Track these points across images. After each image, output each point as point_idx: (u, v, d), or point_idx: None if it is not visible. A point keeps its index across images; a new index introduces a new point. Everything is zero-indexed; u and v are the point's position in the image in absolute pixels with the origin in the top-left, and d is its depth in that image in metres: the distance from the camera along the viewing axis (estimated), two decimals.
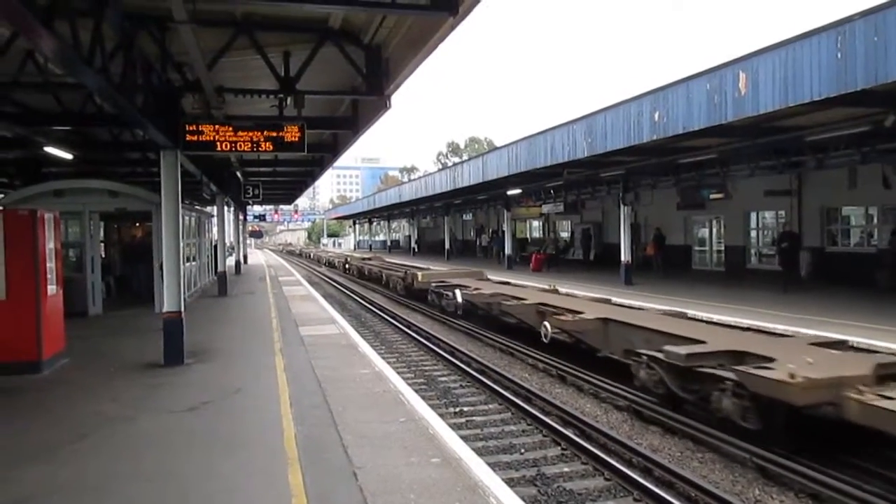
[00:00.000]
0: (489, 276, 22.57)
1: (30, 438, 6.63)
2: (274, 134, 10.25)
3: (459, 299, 17.48)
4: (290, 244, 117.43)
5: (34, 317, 9.37)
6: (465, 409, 9.71)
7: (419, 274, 22.86)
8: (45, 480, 5.51)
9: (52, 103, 12.39)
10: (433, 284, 20.61)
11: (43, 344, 9.47)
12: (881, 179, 17.92)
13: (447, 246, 42.91)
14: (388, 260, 37.60)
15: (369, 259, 38.06)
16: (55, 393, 8.50)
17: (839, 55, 9.25)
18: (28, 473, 5.66)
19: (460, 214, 50.90)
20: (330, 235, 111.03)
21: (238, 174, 23.63)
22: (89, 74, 6.68)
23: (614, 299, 15.29)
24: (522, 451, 7.84)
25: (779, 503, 6.38)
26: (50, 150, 14.06)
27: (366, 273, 33.65)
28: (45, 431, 6.85)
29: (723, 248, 26.56)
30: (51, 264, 9.92)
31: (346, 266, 40.10)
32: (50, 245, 9.90)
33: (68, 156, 14.75)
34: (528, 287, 18.55)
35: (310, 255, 69.90)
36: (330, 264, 49.10)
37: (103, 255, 18.63)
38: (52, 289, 9.90)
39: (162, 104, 9.76)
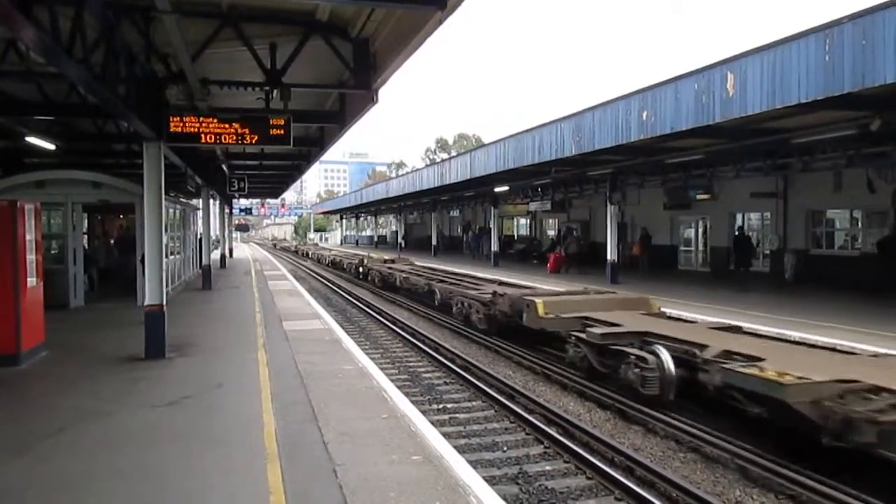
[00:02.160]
0: (657, 303, 13.20)
1: (6, 432, 6.52)
2: (259, 127, 10.14)
3: (671, 369, 8.70)
4: (284, 239, 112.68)
5: (13, 309, 9.22)
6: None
7: (539, 303, 12.28)
8: (20, 475, 5.42)
9: (35, 93, 12.22)
10: (598, 333, 10.09)
11: (21, 336, 9.33)
12: (866, 183, 18.08)
13: (434, 242, 42.91)
14: (426, 266, 27.04)
15: (392, 262, 28.63)
16: (33, 386, 8.38)
17: (827, 58, 9.27)
18: (3, 468, 5.57)
19: (447, 211, 50.92)
20: (317, 230, 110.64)
21: (224, 167, 23.43)
22: (70, 64, 6.55)
23: None
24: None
25: None
26: (32, 140, 13.88)
27: (397, 283, 23.95)
28: (21, 425, 6.75)
29: (708, 249, 26.71)
30: (31, 256, 9.77)
31: (362, 270, 29.97)
32: (30, 236, 9.75)
33: (51, 146, 14.58)
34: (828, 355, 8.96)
35: (307, 254, 56.46)
36: (335, 265, 39.73)
37: (86, 247, 18.44)
38: (31, 281, 9.74)
39: (145, 95, 9.62)
